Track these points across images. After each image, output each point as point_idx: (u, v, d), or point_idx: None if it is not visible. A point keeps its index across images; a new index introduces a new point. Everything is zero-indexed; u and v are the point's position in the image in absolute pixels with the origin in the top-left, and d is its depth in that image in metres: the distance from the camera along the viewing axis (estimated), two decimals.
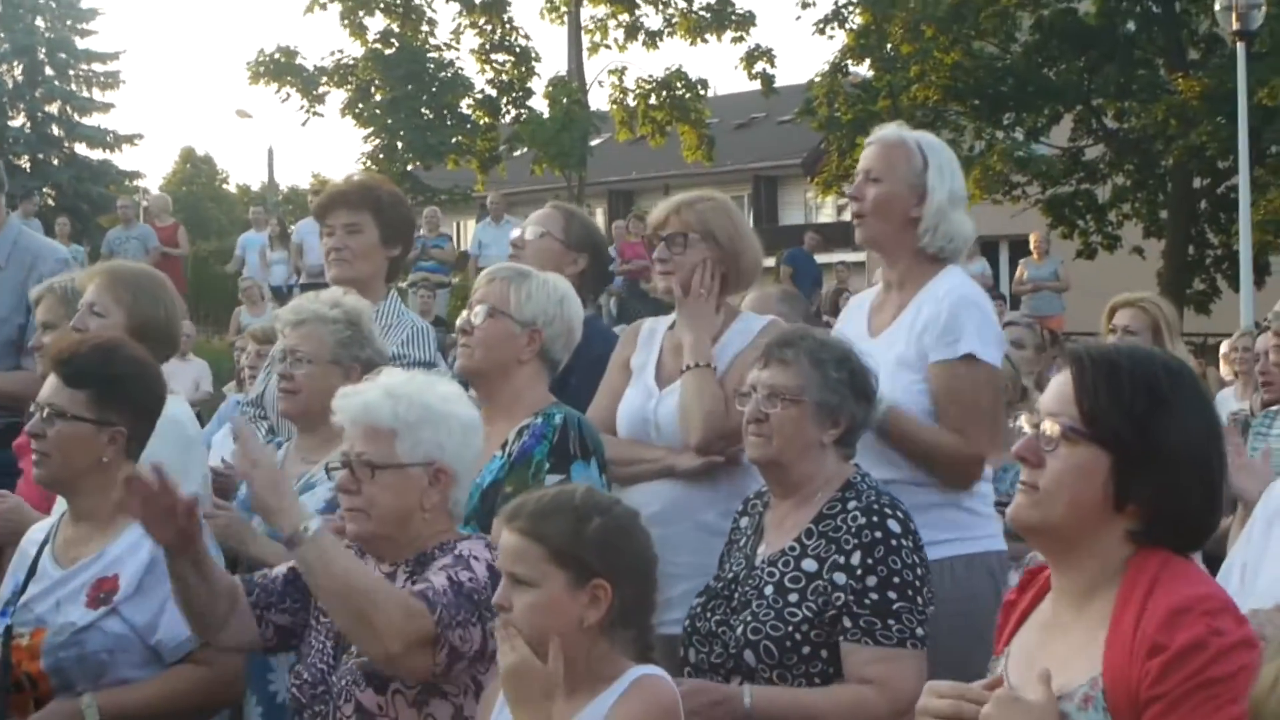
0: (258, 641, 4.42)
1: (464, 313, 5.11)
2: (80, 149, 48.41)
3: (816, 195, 39.76)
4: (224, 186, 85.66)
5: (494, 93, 41.17)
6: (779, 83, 40.00)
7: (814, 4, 35.32)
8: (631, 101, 40.65)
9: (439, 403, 4.24)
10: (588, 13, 40.59)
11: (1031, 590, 3.29)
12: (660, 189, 46.89)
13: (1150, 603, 2.92)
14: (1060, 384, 3.10)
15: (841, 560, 4.36)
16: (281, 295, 21.97)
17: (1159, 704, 2.84)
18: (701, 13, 40.17)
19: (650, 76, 40.56)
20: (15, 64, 47.94)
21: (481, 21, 41.06)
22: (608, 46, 40.72)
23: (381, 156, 39.50)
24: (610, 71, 40.95)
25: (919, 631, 4.33)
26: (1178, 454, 2.99)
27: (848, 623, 4.32)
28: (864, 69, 33.58)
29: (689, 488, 5.27)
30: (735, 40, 40.07)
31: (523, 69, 41.12)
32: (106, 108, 49.13)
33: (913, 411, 5.06)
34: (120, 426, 4.77)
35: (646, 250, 5.71)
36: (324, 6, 40.26)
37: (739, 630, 4.42)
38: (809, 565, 4.40)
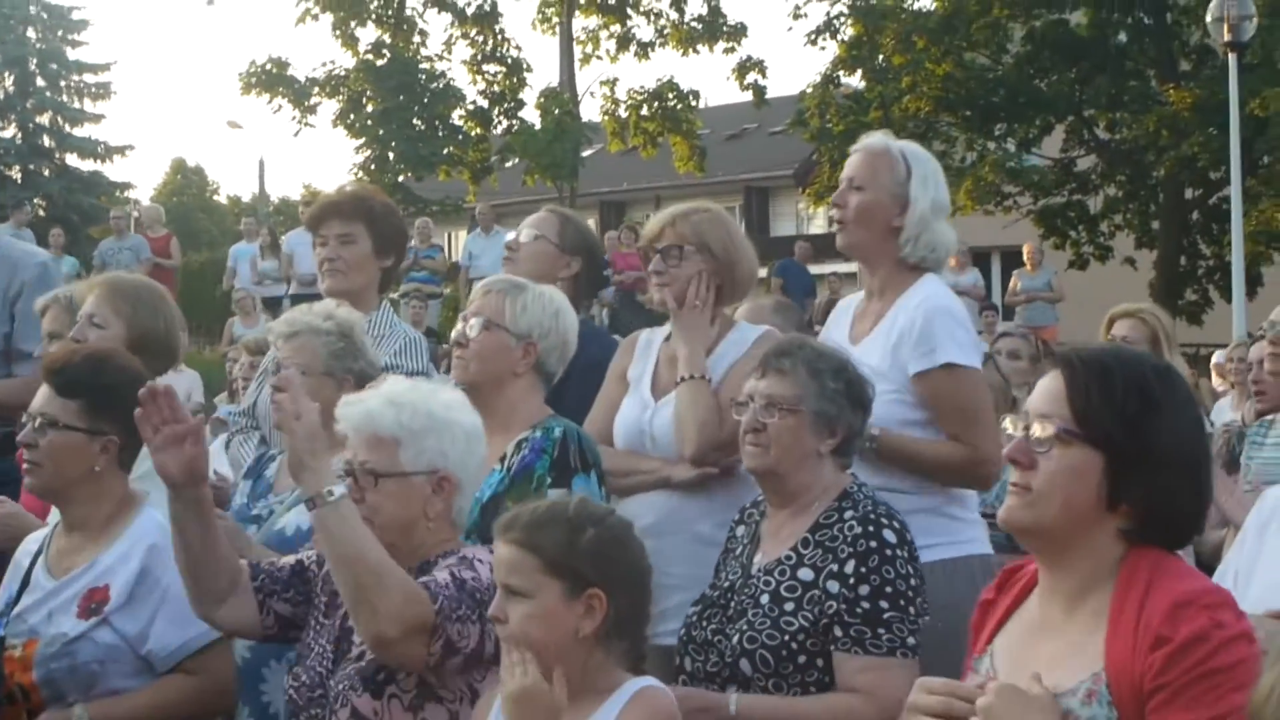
0: (258, 628, 4.41)
1: (459, 325, 5.10)
2: (71, 160, 48.38)
3: (808, 206, 39.75)
4: (215, 197, 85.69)
5: (486, 104, 41.18)
6: (771, 94, 40.08)
7: (806, 15, 35.49)
8: (623, 112, 40.67)
9: (442, 410, 4.24)
10: (579, 24, 40.69)
11: (1012, 590, 3.33)
12: (652, 200, 47.01)
13: (1150, 598, 2.98)
14: (1049, 386, 3.15)
15: (836, 569, 4.36)
16: (271, 306, 21.97)
17: (1163, 693, 2.91)
18: (693, 24, 40.22)
19: (642, 88, 40.61)
20: (6, 75, 47.93)
21: (473, 33, 41.09)
22: (599, 58, 40.82)
23: (373, 167, 39.47)
24: (602, 82, 41.05)
25: (910, 641, 4.33)
26: (1169, 453, 3.05)
27: (839, 632, 4.33)
28: (856, 80, 33.60)
29: (684, 499, 5.27)
30: (727, 51, 40.16)
31: (514, 80, 41.14)
32: (97, 119, 49.17)
33: (892, 424, 5.08)
34: (112, 436, 4.78)
35: (642, 262, 5.71)
36: (316, 17, 40.31)
37: (735, 639, 4.41)
38: (805, 574, 4.40)
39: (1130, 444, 3.04)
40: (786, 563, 4.45)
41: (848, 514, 4.45)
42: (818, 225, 46.66)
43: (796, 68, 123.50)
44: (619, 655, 3.79)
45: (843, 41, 33.26)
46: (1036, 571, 3.27)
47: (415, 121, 39.98)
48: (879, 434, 4.97)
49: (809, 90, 33.41)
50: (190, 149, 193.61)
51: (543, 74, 51.11)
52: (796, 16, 34.60)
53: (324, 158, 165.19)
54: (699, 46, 40.13)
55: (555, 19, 40.59)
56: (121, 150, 48.96)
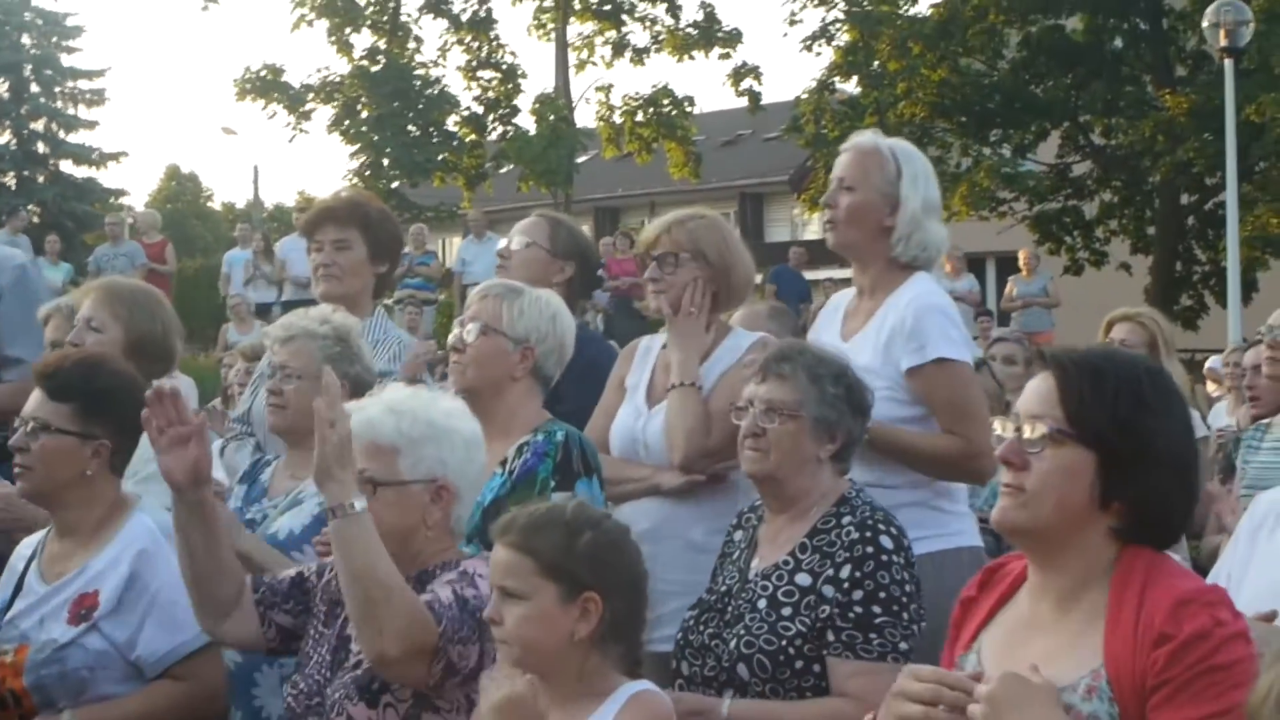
0: (260, 641, 4.41)
1: (455, 330, 5.09)
2: (65, 166, 48.37)
3: (803, 212, 39.71)
4: (209, 204, 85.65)
5: (480, 110, 41.15)
6: (766, 100, 40.03)
7: (801, 21, 35.54)
8: (618, 118, 40.66)
9: (442, 419, 4.24)
10: (574, 30, 40.64)
11: (995, 588, 3.36)
12: (646, 206, 47.05)
13: (1148, 596, 3.03)
14: (1040, 387, 3.19)
15: (832, 574, 4.36)
16: (262, 313, 21.97)
17: (1166, 688, 2.96)
18: (688, 30, 40.19)
19: (637, 93, 40.57)
20: (1, 81, 47.90)
21: (468, 39, 41.05)
22: (594, 64, 40.77)
23: (368, 173, 39.44)
24: (597, 89, 40.98)
25: (902, 646, 4.32)
26: (1161, 453, 3.10)
27: (831, 636, 4.33)
28: (851, 86, 33.58)
29: (676, 506, 5.28)
30: (722, 57, 40.10)
31: (509, 86, 41.10)
32: (92, 125, 49.14)
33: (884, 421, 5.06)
34: (104, 440, 4.79)
35: (639, 269, 5.71)
36: (310, 24, 40.28)
37: (732, 643, 4.41)
38: (803, 579, 4.40)
39: (1123, 444, 3.08)
40: (784, 568, 4.45)
41: (845, 519, 4.44)
42: (812, 231, 46.65)
43: (792, 74, 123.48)
44: (615, 659, 3.79)
45: (838, 47, 33.25)
46: (1022, 570, 3.30)
47: (410, 128, 39.96)
48: (871, 425, 4.94)
49: (804, 96, 33.40)
50: (185, 155, 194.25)
51: (538, 80, 51.28)
52: (792, 22, 34.60)
53: (319, 164, 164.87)
54: (694, 52, 40.11)
55: (550, 25, 40.56)
56: (116, 157, 49.01)
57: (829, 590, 4.34)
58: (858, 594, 4.32)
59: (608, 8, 40.16)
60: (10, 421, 5.00)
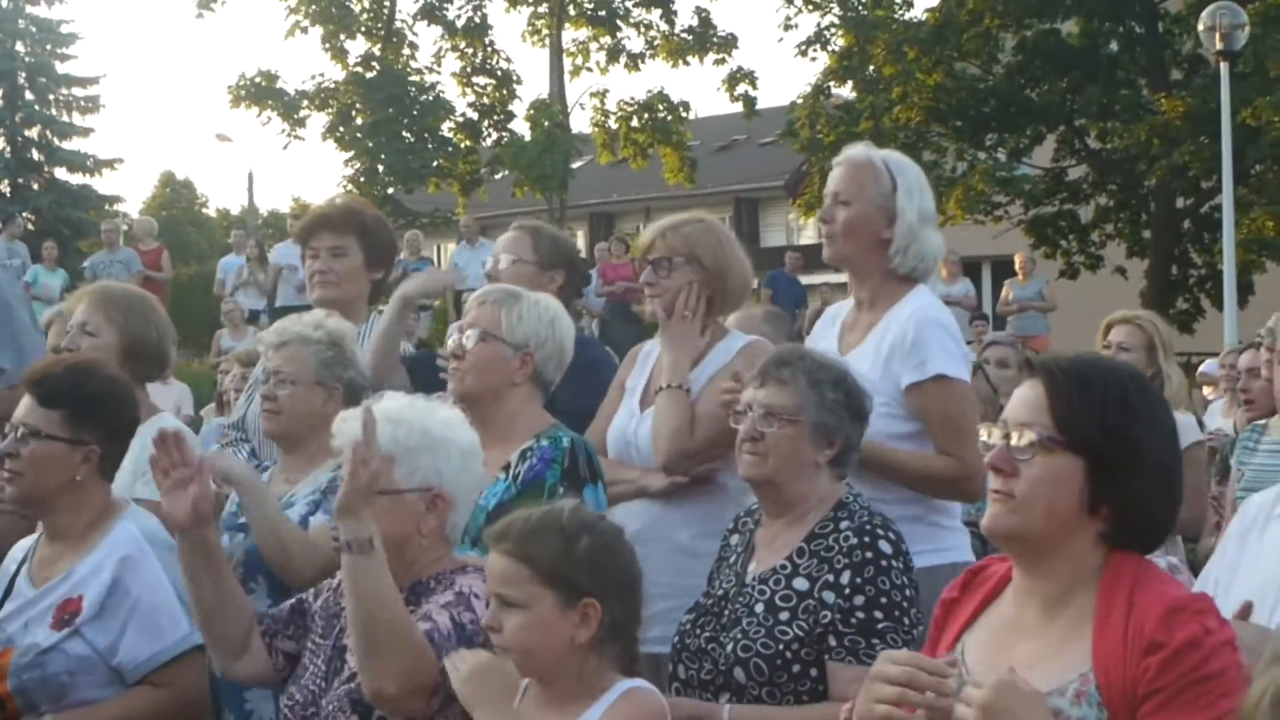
0: (271, 673, 4.42)
1: (454, 336, 5.06)
2: (60, 173, 48.27)
3: (798, 217, 39.81)
4: (204, 211, 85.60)
5: (475, 116, 41.09)
6: (761, 105, 40.06)
7: (796, 26, 35.46)
8: (613, 124, 40.62)
9: (438, 428, 4.22)
10: (569, 36, 40.59)
11: (978, 591, 3.41)
12: (642, 211, 47.06)
13: (1136, 603, 3.07)
14: (1028, 395, 3.23)
15: (831, 579, 4.35)
16: (252, 320, 21.97)
17: (1159, 696, 2.98)
18: (683, 35, 40.17)
19: (632, 99, 40.54)
20: None
21: (463, 45, 41.02)
22: (589, 69, 40.71)
23: (362, 180, 39.37)
24: (592, 94, 40.94)
25: None
26: (1146, 459, 3.15)
27: (833, 641, 4.31)
28: (846, 91, 33.62)
29: (664, 508, 5.30)
30: (717, 63, 40.07)
31: (504, 92, 41.06)
32: (86, 132, 49.00)
33: (881, 437, 5.05)
34: (94, 445, 4.80)
35: (635, 274, 5.71)
36: (305, 30, 40.23)
37: (729, 647, 4.40)
38: (800, 584, 4.39)
39: (1111, 450, 3.12)
40: (781, 572, 4.44)
41: (843, 524, 4.43)
42: (808, 236, 46.70)
43: (787, 79, 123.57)
44: (612, 659, 3.80)
45: (833, 52, 33.31)
46: (1005, 572, 3.34)
47: (405, 134, 39.91)
48: (862, 445, 4.93)
49: (799, 101, 33.44)
50: (179, 162, 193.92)
51: (532, 86, 51.23)
52: (787, 28, 34.65)
53: (313, 170, 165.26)
54: (689, 58, 40.08)
55: (545, 31, 40.52)
56: (110, 164, 48.86)
57: (829, 596, 4.33)
58: (859, 599, 4.31)
59: (602, 14, 40.15)
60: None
